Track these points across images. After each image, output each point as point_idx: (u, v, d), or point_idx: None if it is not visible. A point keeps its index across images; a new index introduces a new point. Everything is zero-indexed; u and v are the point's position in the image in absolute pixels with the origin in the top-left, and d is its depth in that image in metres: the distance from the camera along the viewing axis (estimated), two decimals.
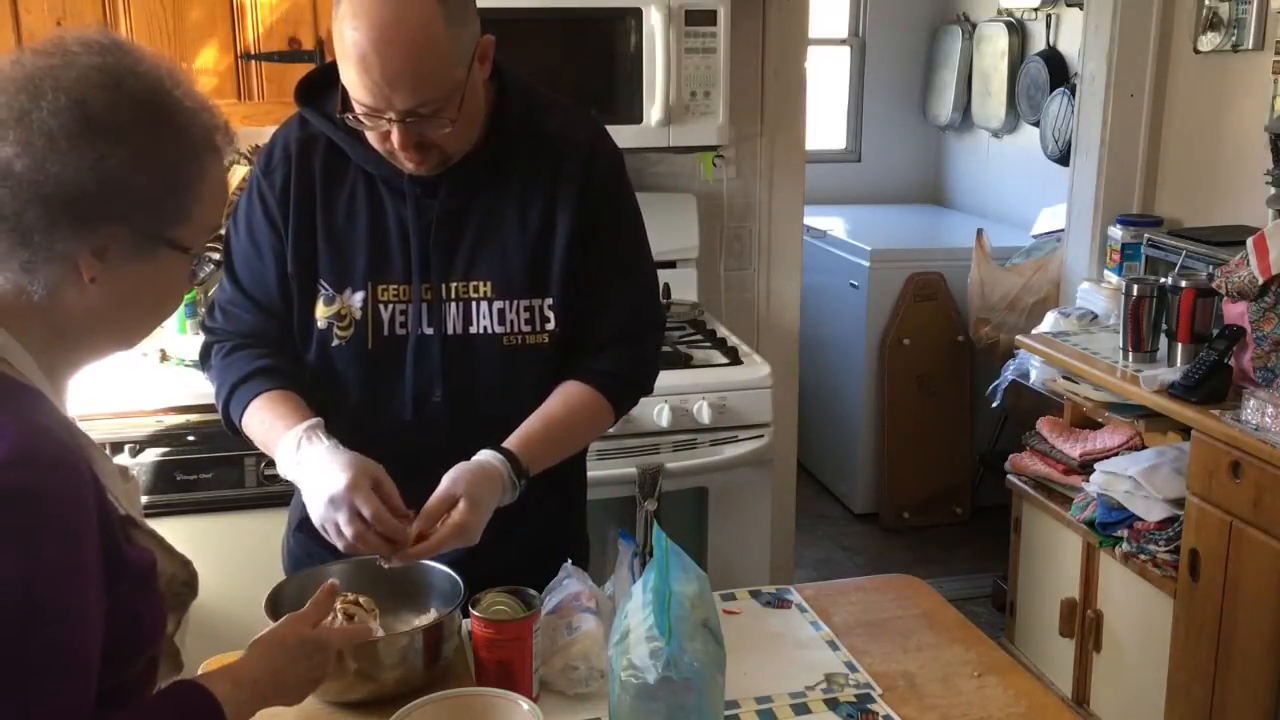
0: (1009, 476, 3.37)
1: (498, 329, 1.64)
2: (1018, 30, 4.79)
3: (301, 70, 2.74)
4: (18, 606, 0.94)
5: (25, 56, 1.06)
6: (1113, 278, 3.46)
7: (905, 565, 4.08)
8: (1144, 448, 2.96)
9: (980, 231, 4.37)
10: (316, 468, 1.49)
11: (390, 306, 1.63)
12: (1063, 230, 3.93)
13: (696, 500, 2.78)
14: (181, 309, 2.82)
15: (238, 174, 3.00)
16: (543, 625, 1.49)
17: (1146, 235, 3.36)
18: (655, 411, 2.65)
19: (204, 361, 1.73)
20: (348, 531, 1.44)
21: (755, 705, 1.47)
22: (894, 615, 1.73)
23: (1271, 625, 2.44)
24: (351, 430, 1.59)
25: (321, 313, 1.64)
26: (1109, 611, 3.02)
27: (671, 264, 3.24)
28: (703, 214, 3.34)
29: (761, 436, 2.78)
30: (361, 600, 1.48)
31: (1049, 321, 3.44)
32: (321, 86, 1.64)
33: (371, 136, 1.56)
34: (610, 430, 1.77)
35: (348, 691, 1.44)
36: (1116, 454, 3.02)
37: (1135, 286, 2.96)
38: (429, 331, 1.63)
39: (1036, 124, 4.61)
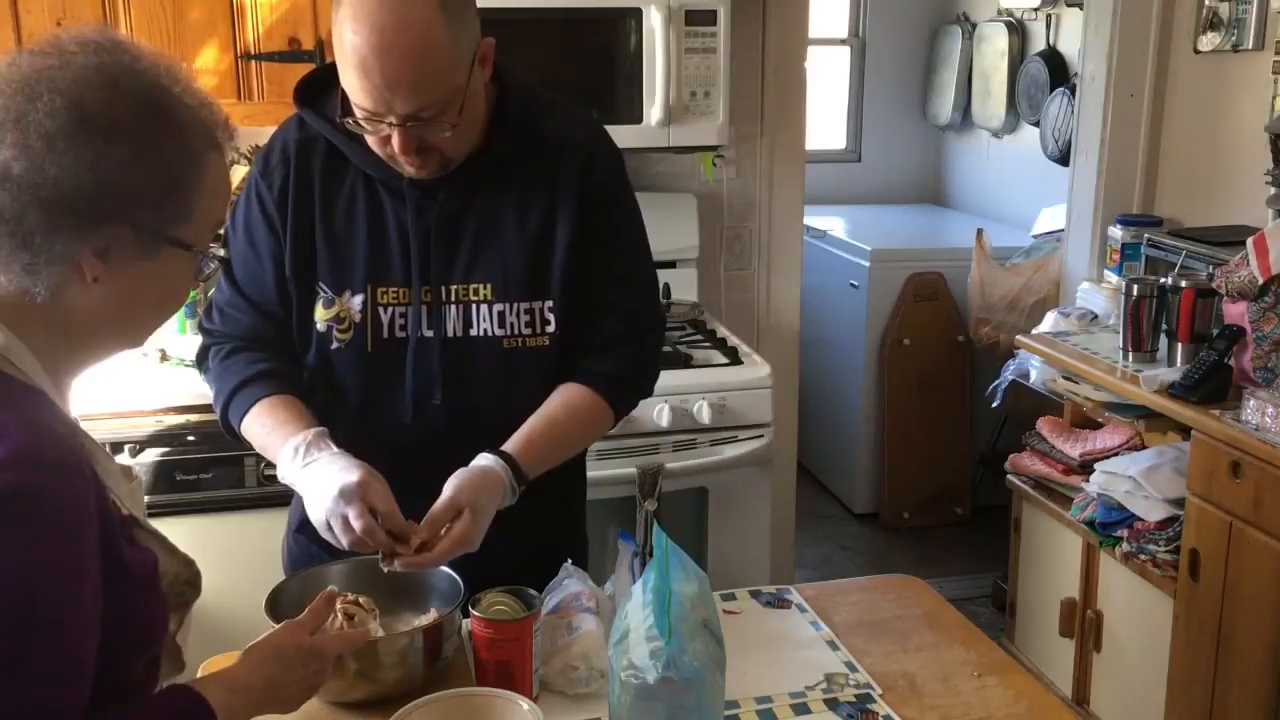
0: (1009, 476, 3.37)
1: (498, 331, 1.64)
2: (1018, 30, 4.79)
3: (302, 70, 2.74)
4: (14, 605, 0.94)
5: (22, 58, 1.05)
6: (1113, 278, 3.46)
7: (905, 565, 4.08)
8: (1144, 448, 2.96)
9: (980, 231, 4.37)
10: (325, 468, 1.48)
11: (390, 309, 1.63)
12: (1063, 230, 3.93)
13: (696, 500, 2.78)
14: (182, 309, 2.82)
15: (238, 174, 3.00)
16: (543, 625, 1.49)
17: (1146, 235, 3.36)
18: (655, 411, 2.65)
19: (201, 363, 1.72)
20: (358, 525, 1.43)
21: (755, 705, 1.47)
22: (894, 615, 1.73)
23: (1271, 625, 2.44)
24: (351, 432, 1.59)
25: (321, 315, 1.64)
26: (1109, 611, 3.02)
27: (671, 264, 3.24)
28: (703, 214, 3.34)
29: (761, 436, 2.78)
30: (361, 600, 1.48)
31: (1049, 321, 3.44)
32: (320, 88, 1.64)
33: (371, 140, 1.55)
34: (610, 430, 1.77)
35: (348, 691, 1.44)
36: (1116, 454, 3.02)
37: (1135, 286, 2.96)
38: (429, 334, 1.63)
39: (1036, 124, 4.61)
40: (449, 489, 1.49)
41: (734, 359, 2.88)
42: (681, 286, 3.25)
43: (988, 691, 1.53)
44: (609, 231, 1.68)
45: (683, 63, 2.82)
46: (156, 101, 1.07)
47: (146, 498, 2.52)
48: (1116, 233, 3.52)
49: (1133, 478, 2.83)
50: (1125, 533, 2.87)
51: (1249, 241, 2.64)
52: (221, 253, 1.20)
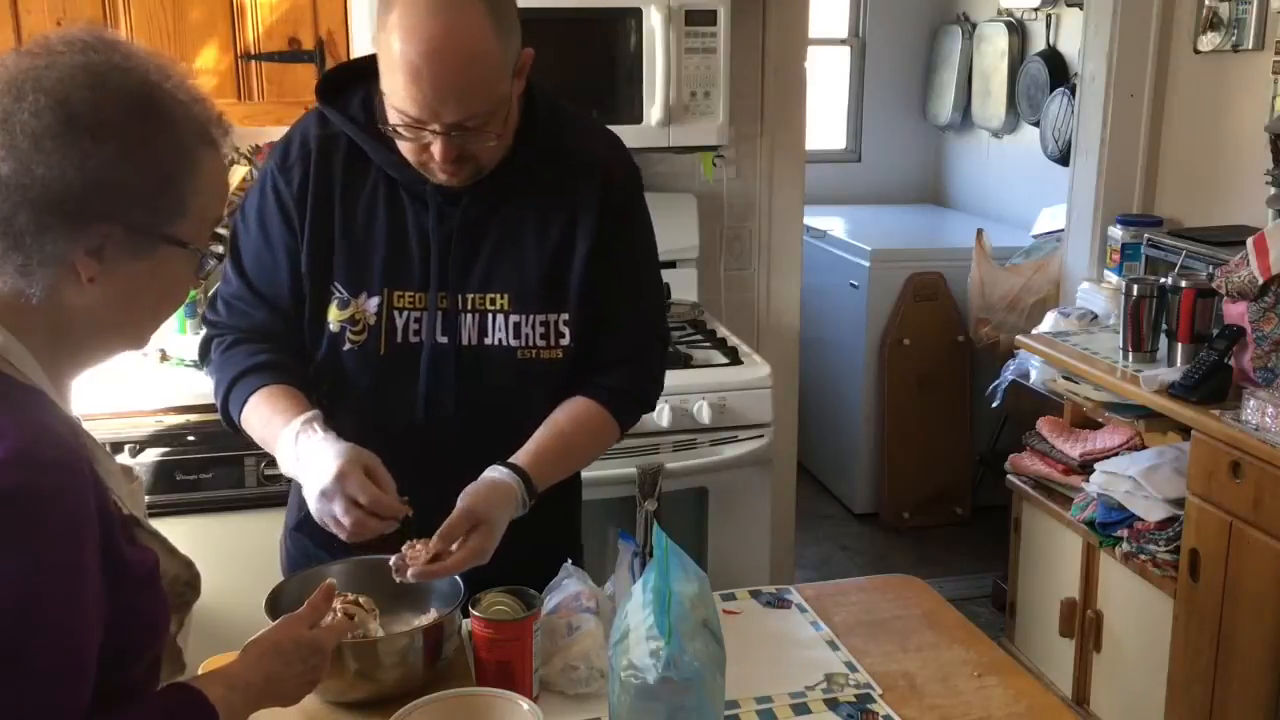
0: (1009, 476, 3.37)
1: (512, 342, 1.63)
2: (1018, 30, 4.79)
3: (302, 70, 2.76)
4: (15, 606, 0.94)
5: (9, 59, 1.05)
6: (1113, 278, 3.46)
7: (905, 565, 4.08)
8: (1144, 448, 2.96)
9: (980, 231, 4.37)
10: (311, 461, 1.48)
11: (405, 314, 1.62)
12: (1063, 230, 3.93)
13: (696, 500, 2.78)
14: (182, 308, 2.82)
15: (238, 174, 3.00)
16: (543, 625, 1.50)
17: (1146, 235, 3.36)
18: (655, 411, 2.65)
19: (203, 356, 1.71)
20: (346, 521, 1.44)
21: (755, 705, 1.47)
22: (894, 615, 1.73)
23: (1271, 625, 2.44)
24: (358, 433, 1.59)
25: (335, 316, 1.62)
26: (1109, 611, 3.02)
27: (671, 264, 3.24)
28: (703, 214, 3.34)
29: (761, 436, 2.78)
30: (361, 600, 1.48)
31: (1049, 321, 3.44)
32: (342, 84, 1.63)
33: (406, 147, 1.54)
34: (614, 444, 1.76)
35: (348, 691, 1.44)
36: (1116, 454, 3.02)
37: (1135, 286, 2.96)
38: (443, 341, 1.62)
39: (1036, 124, 4.61)
40: (465, 501, 1.48)
41: (734, 359, 2.88)
42: (681, 286, 3.25)
43: (988, 691, 1.53)
44: (625, 248, 1.69)
45: (683, 63, 2.82)
46: (145, 99, 1.06)
47: (146, 498, 2.53)
48: (1116, 233, 3.52)
49: (1133, 478, 2.83)
50: (1125, 533, 2.87)
51: (1249, 241, 2.64)
52: (220, 250, 1.19)
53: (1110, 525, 2.91)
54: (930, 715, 1.47)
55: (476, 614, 1.45)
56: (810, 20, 3.46)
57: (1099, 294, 3.43)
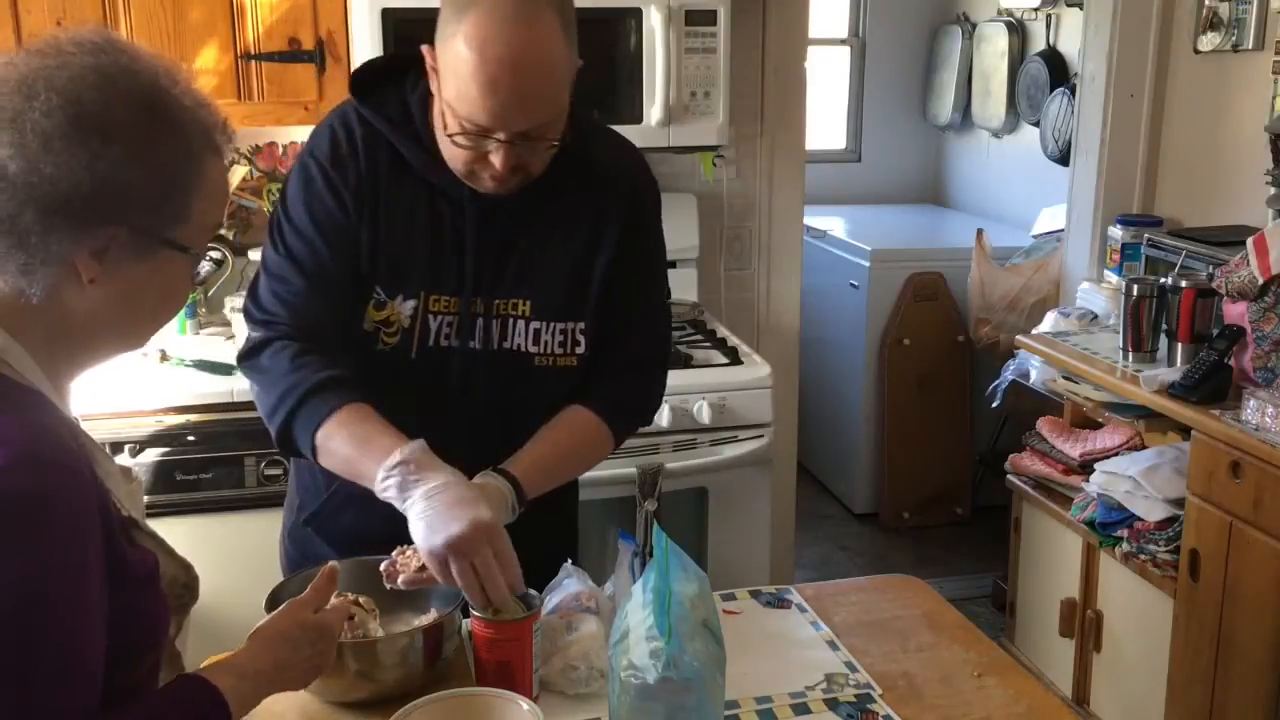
0: (1009, 476, 3.37)
1: (531, 349, 1.64)
2: (1018, 30, 4.79)
3: (302, 70, 2.76)
4: (22, 609, 0.94)
5: (19, 58, 1.05)
6: (1113, 278, 3.46)
7: (905, 565, 4.08)
8: (1144, 448, 2.96)
9: (980, 231, 4.37)
10: (436, 502, 1.41)
11: (439, 318, 1.61)
12: (1063, 230, 3.93)
13: (696, 500, 2.78)
14: (183, 309, 2.82)
15: (237, 174, 3.00)
16: (543, 625, 1.49)
17: (1146, 235, 3.36)
18: None
19: (249, 360, 1.60)
20: (460, 583, 1.39)
21: (755, 705, 1.47)
22: (894, 615, 1.73)
23: (1271, 625, 2.44)
24: None
25: (370, 316, 1.60)
26: (1109, 611, 3.02)
27: (672, 264, 3.23)
28: (703, 214, 3.34)
29: (761, 436, 2.78)
30: (361, 600, 1.48)
31: (1049, 321, 3.44)
32: (375, 83, 1.61)
33: (457, 153, 1.52)
34: (607, 456, 1.75)
35: (348, 691, 1.44)
36: (1116, 454, 3.02)
37: (1135, 286, 2.96)
38: (469, 345, 1.62)
39: (1036, 124, 4.61)
40: None
41: (734, 359, 2.88)
42: (681, 286, 3.25)
43: (988, 691, 1.53)
44: (641, 261, 1.70)
45: (683, 63, 2.82)
46: (154, 102, 1.07)
47: (146, 498, 2.53)
48: (1116, 233, 3.52)
49: (1133, 478, 2.83)
50: (1125, 533, 2.87)
51: (1249, 241, 2.64)
52: (218, 255, 1.20)
53: (1110, 525, 2.91)
54: (930, 715, 1.47)
55: (476, 614, 1.45)
56: (810, 20, 3.46)
57: (1099, 294, 3.43)
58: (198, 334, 2.89)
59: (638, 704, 1.24)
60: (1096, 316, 3.37)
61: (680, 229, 3.26)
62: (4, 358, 1.04)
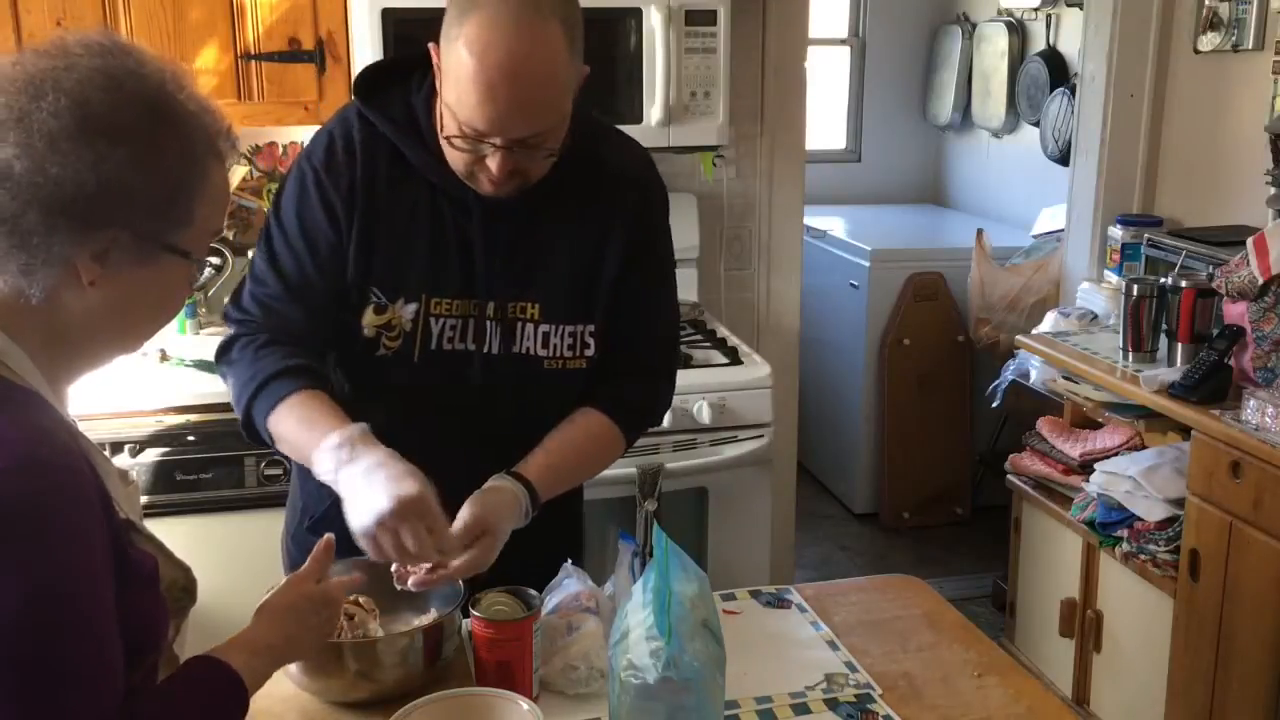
0: (1009, 476, 3.37)
1: (540, 352, 1.63)
2: (1018, 30, 4.79)
3: (302, 70, 2.76)
4: (38, 610, 0.94)
5: (26, 57, 1.05)
6: (1113, 278, 3.46)
7: (905, 565, 4.08)
8: (1144, 448, 2.96)
9: (980, 231, 4.37)
10: (375, 472, 1.42)
11: (441, 321, 1.60)
12: (1063, 230, 3.93)
13: (696, 500, 2.78)
14: (183, 309, 2.82)
15: (237, 174, 3.00)
16: (543, 625, 1.50)
17: (1146, 235, 3.36)
18: None
19: (222, 356, 1.63)
20: (413, 545, 1.39)
21: (755, 705, 1.47)
22: (894, 615, 1.73)
23: (1271, 625, 2.44)
24: (384, 440, 1.59)
25: (371, 320, 1.59)
26: (1109, 611, 3.02)
27: None
28: (703, 214, 3.34)
29: (761, 436, 2.78)
30: (361, 600, 1.49)
31: (1049, 321, 3.44)
32: (380, 85, 1.61)
33: (457, 156, 1.52)
34: (619, 458, 1.76)
35: (348, 691, 1.44)
36: (1116, 454, 3.02)
37: (1135, 286, 2.96)
38: (475, 348, 1.62)
39: (1036, 124, 4.61)
40: (473, 509, 1.47)
41: (734, 359, 2.88)
42: (682, 286, 3.19)
43: (988, 691, 1.53)
44: (650, 263, 1.70)
45: (683, 63, 2.82)
46: (160, 106, 1.07)
47: (146, 498, 2.54)
48: (1116, 233, 3.52)
49: (1133, 478, 2.83)
50: (1125, 533, 2.87)
51: (1249, 241, 2.64)
52: (217, 261, 1.20)
53: (1110, 525, 2.91)
54: (930, 715, 1.47)
55: (476, 614, 1.45)
56: (810, 20, 3.46)
57: (1099, 294, 3.43)
58: (198, 334, 2.89)
59: (638, 704, 1.24)
60: (1096, 316, 3.37)
61: (680, 229, 3.25)
62: (3, 359, 1.04)
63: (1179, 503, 2.71)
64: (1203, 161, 3.41)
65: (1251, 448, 2.44)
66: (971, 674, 1.57)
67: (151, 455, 2.53)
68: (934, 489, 4.57)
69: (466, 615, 1.49)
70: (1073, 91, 4.17)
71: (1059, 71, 4.50)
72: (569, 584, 1.59)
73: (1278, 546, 2.41)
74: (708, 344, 3.01)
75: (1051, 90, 4.50)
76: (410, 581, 1.45)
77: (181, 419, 2.55)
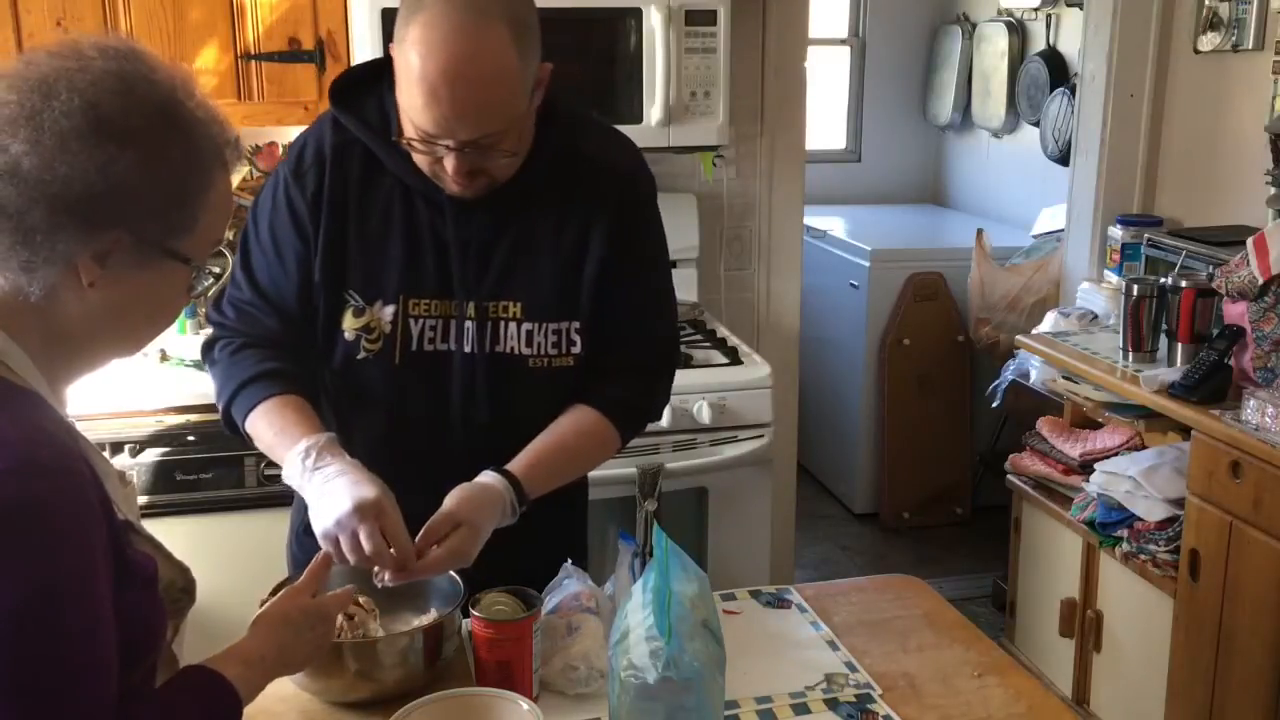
0: (1009, 476, 3.37)
1: (524, 350, 1.63)
2: (1018, 30, 4.79)
3: (302, 70, 2.76)
4: (36, 612, 0.94)
5: (39, 57, 1.06)
6: (1113, 278, 3.46)
7: (905, 565, 4.08)
8: (1144, 448, 2.96)
9: (980, 231, 4.37)
10: (337, 478, 1.45)
11: (420, 321, 1.61)
12: (1063, 230, 3.93)
13: (696, 500, 2.78)
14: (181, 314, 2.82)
15: (237, 175, 3.00)
16: (543, 625, 1.50)
17: (1146, 235, 3.36)
18: None
19: (206, 355, 1.69)
20: (368, 545, 1.41)
21: (755, 705, 1.47)
22: (894, 615, 1.73)
23: (1271, 625, 2.44)
24: (371, 442, 1.59)
25: (350, 324, 1.61)
26: (1109, 611, 3.02)
27: (672, 264, 3.20)
28: (703, 214, 3.34)
29: (761, 436, 2.78)
30: (361, 600, 1.49)
31: (1049, 321, 3.44)
32: (356, 89, 1.61)
33: (420, 159, 1.53)
34: (615, 454, 1.76)
35: (348, 691, 1.44)
36: (1116, 454, 3.02)
37: (1135, 286, 2.96)
38: (455, 349, 1.62)
39: (1036, 124, 4.61)
40: (449, 502, 1.48)
41: (734, 359, 2.88)
42: (682, 286, 3.21)
43: (988, 691, 1.53)
44: (637, 257, 1.69)
45: (683, 63, 2.82)
46: (170, 112, 1.08)
47: (146, 498, 2.54)
48: (1116, 233, 3.52)
49: (1133, 478, 2.83)
50: (1125, 533, 2.87)
51: (1249, 241, 2.64)
52: (217, 269, 1.20)
53: (1110, 525, 2.91)
54: (930, 715, 1.47)
55: (476, 614, 1.45)
56: (810, 20, 3.46)
57: (1099, 294, 3.43)
58: (198, 334, 2.90)
59: (638, 704, 1.24)
60: (1096, 316, 3.37)
61: (680, 229, 3.26)
62: (4, 360, 1.05)
63: (1179, 503, 2.71)
64: (1203, 161, 3.41)
65: (1251, 448, 2.44)
66: (971, 674, 1.57)
67: (151, 455, 2.53)
68: (934, 489, 4.57)
69: (466, 615, 1.49)
70: (1073, 91, 4.17)
71: (1059, 71, 4.50)
72: (569, 584, 1.59)
73: (1278, 546, 2.41)
74: (708, 344, 3.01)
75: (1051, 90, 4.50)
76: (387, 575, 1.44)
77: (181, 419, 2.55)
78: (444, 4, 1.42)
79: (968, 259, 4.36)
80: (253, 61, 2.70)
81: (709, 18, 2.83)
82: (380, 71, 1.60)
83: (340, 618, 1.43)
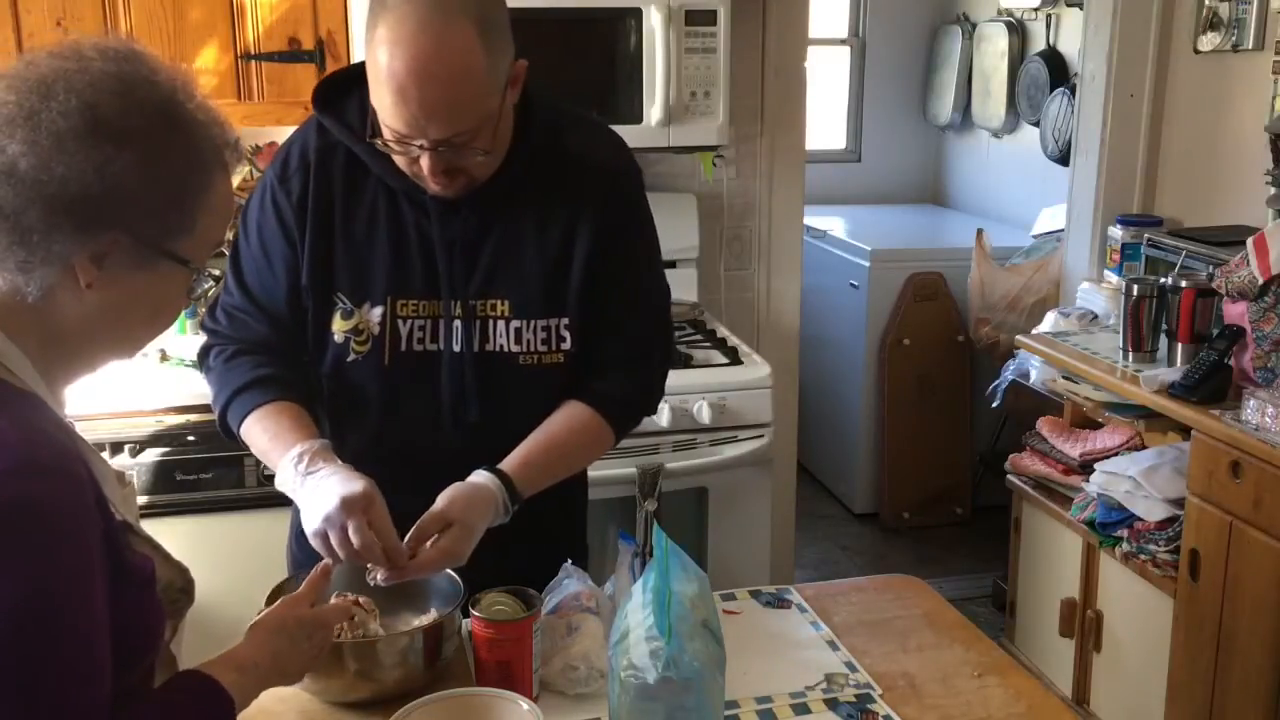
0: (1009, 476, 3.37)
1: (514, 348, 1.63)
2: (1018, 30, 4.79)
3: (302, 70, 2.76)
4: (31, 614, 0.94)
5: (40, 58, 1.06)
6: (1113, 278, 3.46)
7: (905, 565, 4.08)
8: (1144, 448, 2.96)
9: (980, 231, 4.37)
10: (326, 480, 1.46)
11: (409, 322, 1.61)
12: (1063, 230, 3.93)
13: (696, 500, 2.78)
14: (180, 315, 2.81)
15: (238, 175, 3.00)
16: (543, 625, 1.50)
17: (1146, 235, 3.36)
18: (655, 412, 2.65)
19: (202, 361, 1.71)
20: (357, 540, 1.42)
21: (755, 705, 1.47)
22: (894, 615, 1.73)
23: (1271, 625, 2.44)
24: (365, 443, 1.59)
25: (339, 326, 1.62)
26: (1109, 611, 3.02)
27: (671, 264, 3.24)
28: (703, 214, 3.34)
29: (761, 436, 2.78)
30: (361, 600, 1.48)
31: (1049, 321, 3.44)
32: (339, 92, 1.61)
33: (399, 160, 1.53)
34: (609, 450, 1.76)
35: (348, 691, 1.44)
36: (1116, 454, 3.02)
37: (1135, 286, 2.96)
38: (444, 348, 1.62)
39: (1036, 124, 4.61)
40: (440, 502, 1.49)
41: (734, 359, 2.88)
42: (681, 286, 3.25)
43: (988, 691, 1.53)
44: (626, 251, 1.68)
45: (683, 63, 2.82)
46: (170, 113, 1.08)
47: (146, 498, 2.54)
48: (1116, 233, 3.52)
49: (1133, 478, 2.83)
50: (1125, 533, 2.87)
51: (1249, 241, 2.64)
52: (216, 272, 1.20)
53: (1110, 525, 2.91)
54: (930, 715, 1.47)
55: (476, 614, 1.45)
56: (810, 20, 3.46)
57: (1099, 294, 3.43)
58: (198, 334, 2.89)
59: (638, 704, 1.24)
60: (1096, 316, 3.37)
61: (680, 229, 3.26)
62: (2, 361, 1.05)
63: (1179, 503, 2.71)
64: (1203, 161, 3.41)
65: (1251, 448, 2.44)
66: (971, 674, 1.57)
67: (151, 455, 2.53)
68: (934, 489, 4.57)
69: (466, 615, 1.49)
70: (1073, 91, 4.17)
71: (1059, 71, 4.50)
72: (569, 584, 1.59)
73: (1278, 546, 2.41)
74: (708, 344, 3.01)
75: (1051, 90, 4.50)
76: (379, 574, 1.45)
77: (181, 419, 2.55)
78: (408, 3, 1.41)
79: (968, 259, 4.36)
80: (253, 61, 2.70)
81: (709, 18, 2.83)
82: (362, 74, 1.61)
83: (343, 601, 1.43)
